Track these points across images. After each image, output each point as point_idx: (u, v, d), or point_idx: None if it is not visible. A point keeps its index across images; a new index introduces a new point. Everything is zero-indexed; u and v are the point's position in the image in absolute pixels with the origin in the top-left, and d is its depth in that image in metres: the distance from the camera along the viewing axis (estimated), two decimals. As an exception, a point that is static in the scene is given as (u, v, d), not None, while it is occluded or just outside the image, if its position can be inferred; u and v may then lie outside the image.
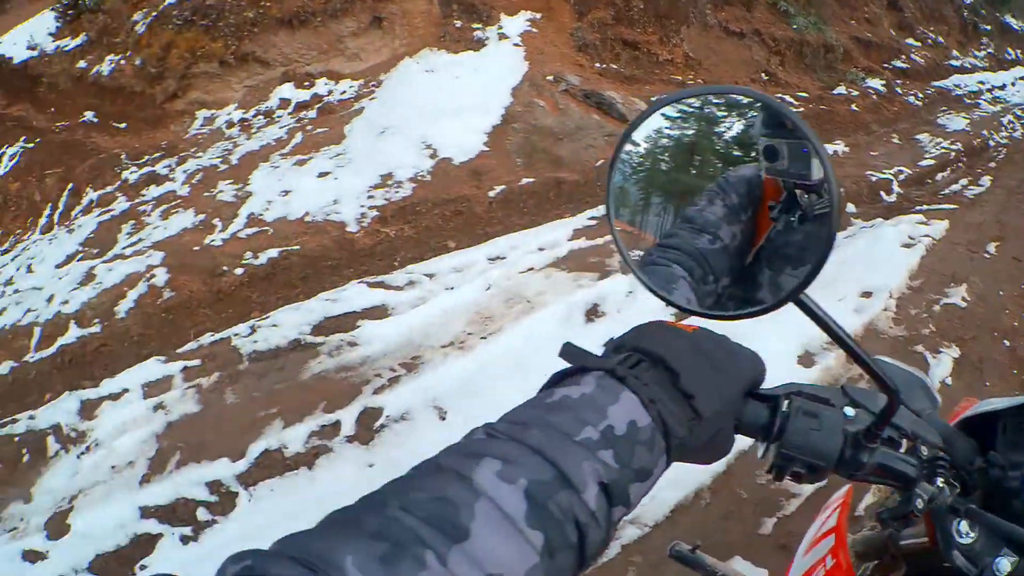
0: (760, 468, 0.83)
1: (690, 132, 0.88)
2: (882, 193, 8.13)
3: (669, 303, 0.83)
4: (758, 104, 0.82)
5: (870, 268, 5.56)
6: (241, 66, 8.37)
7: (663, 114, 0.85)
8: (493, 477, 0.58)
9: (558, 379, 0.73)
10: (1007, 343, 4.85)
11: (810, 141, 0.74)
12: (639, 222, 0.94)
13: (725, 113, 0.87)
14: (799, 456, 0.80)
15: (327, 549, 0.51)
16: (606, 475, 0.61)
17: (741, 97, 0.85)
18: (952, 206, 7.79)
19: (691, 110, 0.87)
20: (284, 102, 8.05)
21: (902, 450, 0.89)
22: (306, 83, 8.17)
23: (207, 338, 4.85)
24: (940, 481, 0.87)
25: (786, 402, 0.82)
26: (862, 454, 0.83)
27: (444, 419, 3.99)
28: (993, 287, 5.67)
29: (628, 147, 0.88)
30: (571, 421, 0.63)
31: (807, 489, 3.35)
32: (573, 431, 0.62)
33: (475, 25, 8.87)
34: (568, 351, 0.77)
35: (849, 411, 0.86)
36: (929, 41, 19.29)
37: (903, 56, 16.81)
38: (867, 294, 5.18)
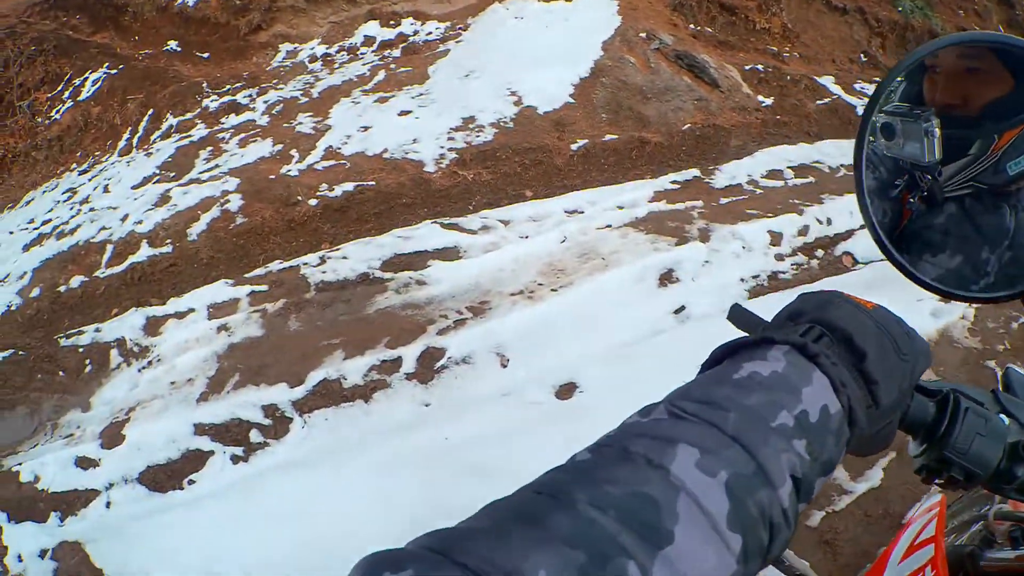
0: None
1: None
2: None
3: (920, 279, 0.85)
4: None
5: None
6: (327, 1, 8.33)
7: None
8: (692, 468, 0.50)
9: (733, 349, 0.66)
10: None
11: None
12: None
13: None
14: (959, 461, 0.74)
15: (512, 558, 0.42)
16: (800, 468, 0.55)
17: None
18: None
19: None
20: (368, 39, 7.95)
21: None
22: (392, 22, 8.04)
23: (276, 265, 4.80)
24: None
25: (953, 400, 0.77)
26: (1019, 468, 0.76)
27: (506, 367, 3.90)
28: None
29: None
30: (766, 404, 0.57)
31: (860, 487, 3.17)
32: (769, 416, 0.56)
33: (569, -24, 8.58)
34: (737, 315, 0.77)
35: (1004, 419, 0.79)
36: (1040, 40, 18.26)
37: (1013, 51, 15.93)
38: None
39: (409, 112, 6.46)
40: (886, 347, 0.66)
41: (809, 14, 10.82)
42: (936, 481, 0.78)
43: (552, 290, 4.44)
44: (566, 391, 3.64)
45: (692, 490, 0.49)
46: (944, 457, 0.75)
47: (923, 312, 4.54)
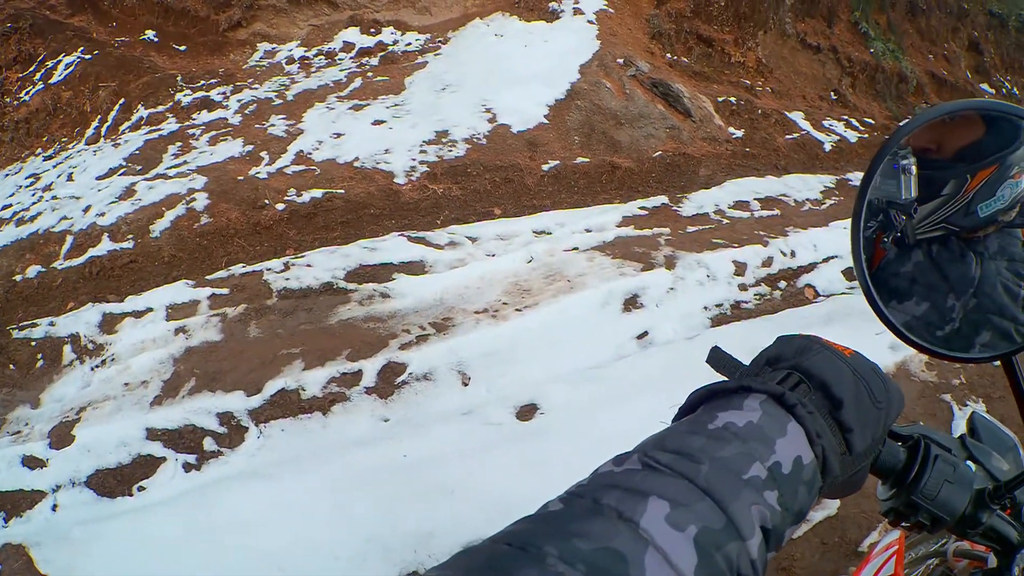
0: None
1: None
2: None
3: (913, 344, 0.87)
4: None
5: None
6: (309, 4, 8.30)
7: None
8: (662, 522, 0.51)
9: (710, 395, 0.67)
10: None
11: None
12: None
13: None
14: (927, 506, 0.76)
15: None
16: (770, 520, 0.56)
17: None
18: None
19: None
20: (347, 45, 7.95)
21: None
22: (372, 30, 8.04)
23: (239, 268, 4.74)
24: None
25: (924, 446, 0.79)
26: (983, 514, 0.79)
27: (467, 385, 3.89)
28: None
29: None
30: (739, 456, 0.58)
31: (817, 515, 3.18)
32: (742, 468, 0.57)
33: (552, -4, 8.66)
34: (717, 358, 0.76)
35: (970, 466, 0.83)
36: (1004, 90, 18.76)
37: (976, 99, 16.37)
38: (911, 332, 4.94)
39: (383, 122, 6.45)
40: (861, 395, 0.67)
41: (784, 50, 11.02)
42: (903, 524, 0.79)
43: (517, 310, 4.43)
44: (527, 412, 3.62)
45: (661, 545, 0.49)
46: (912, 502, 0.77)
47: (881, 346, 4.65)
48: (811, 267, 5.24)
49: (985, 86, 18.12)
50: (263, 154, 5.99)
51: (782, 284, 5.08)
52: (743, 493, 0.55)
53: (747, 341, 4.05)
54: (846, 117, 11.08)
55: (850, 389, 0.66)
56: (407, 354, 3.96)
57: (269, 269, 4.64)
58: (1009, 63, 19.97)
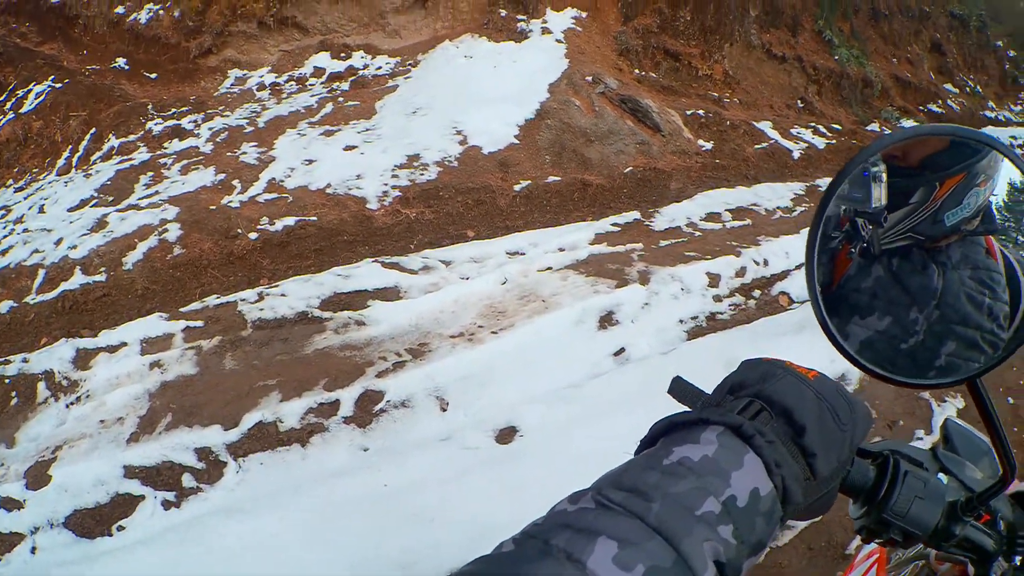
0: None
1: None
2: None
3: (864, 368, 0.80)
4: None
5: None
6: (279, 29, 8.31)
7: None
8: (609, 563, 0.51)
9: (669, 428, 0.67)
10: (1011, 400, 4.74)
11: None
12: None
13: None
14: (898, 523, 0.77)
15: None
16: (724, 554, 0.56)
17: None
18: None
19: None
20: (318, 71, 7.98)
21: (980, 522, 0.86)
22: (342, 54, 8.08)
23: (213, 300, 4.74)
24: (1018, 560, 0.85)
25: (892, 463, 0.79)
26: (956, 526, 0.79)
27: (445, 411, 3.90)
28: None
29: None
30: (693, 491, 0.58)
31: (802, 522, 3.20)
32: (695, 504, 0.57)
33: (520, 16, 8.77)
34: (677, 388, 0.75)
35: (942, 478, 0.83)
36: (967, 89, 19.18)
37: (940, 101, 16.68)
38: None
39: (355, 147, 6.47)
40: (825, 419, 0.67)
41: (750, 61, 11.16)
42: (876, 541, 0.80)
43: (492, 332, 4.46)
44: (506, 436, 3.65)
45: None
46: (883, 519, 0.77)
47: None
48: (784, 274, 5.33)
49: (949, 86, 18.49)
50: (235, 182, 6.00)
51: (756, 293, 5.16)
52: (695, 529, 0.55)
53: (723, 353, 4.15)
54: (813, 124, 11.25)
55: (813, 414, 0.66)
56: (384, 381, 3.98)
57: (243, 300, 4.64)
58: (971, 62, 20.45)
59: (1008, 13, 23.73)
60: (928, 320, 0.89)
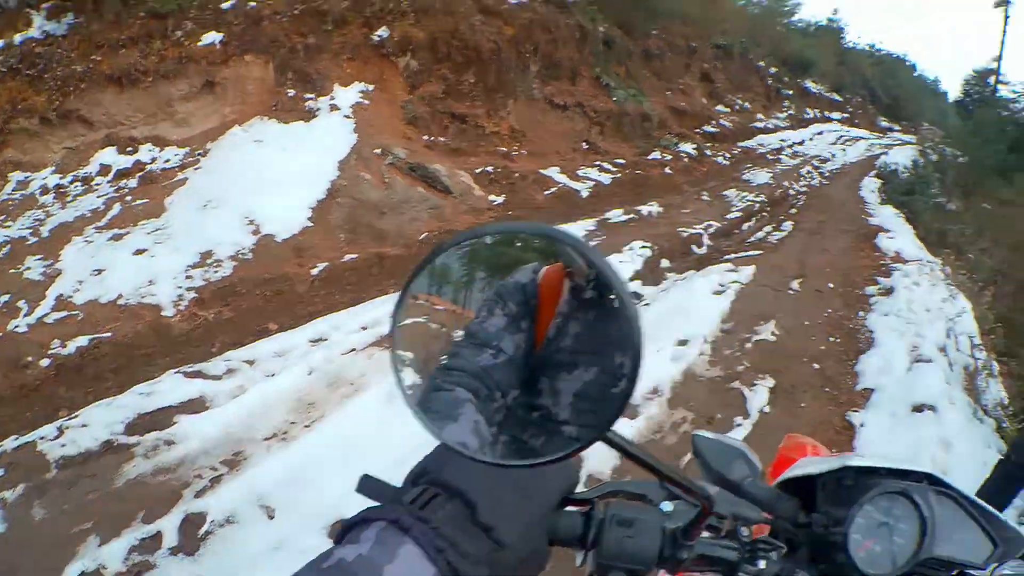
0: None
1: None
2: (693, 247, 8.92)
3: (451, 448, 0.68)
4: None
5: (684, 317, 6.10)
6: (63, 124, 8.07)
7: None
8: None
9: (343, 529, 0.66)
10: (816, 366, 5.44)
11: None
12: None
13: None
14: (616, 564, 0.78)
15: None
16: None
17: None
18: (757, 252, 8.86)
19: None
20: (104, 168, 7.80)
21: (723, 534, 0.90)
22: (129, 148, 7.98)
23: (10, 443, 4.38)
24: (762, 564, 0.89)
25: (600, 509, 0.80)
26: (681, 551, 0.80)
27: (273, 517, 3.78)
28: (799, 319, 6.44)
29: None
30: None
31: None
32: None
33: (308, 95, 9.06)
34: (365, 486, 0.74)
35: (667, 506, 0.83)
36: (737, 107, 21.49)
37: (713, 122, 18.59)
38: (683, 342, 5.66)
39: (145, 250, 6.44)
40: (501, 491, 0.68)
41: (535, 113, 11.96)
42: None
43: (305, 426, 4.49)
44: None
45: None
46: (601, 564, 0.77)
47: (664, 360, 5.30)
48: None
49: (720, 107, 20.60)
50: (21, 303, 5.81)
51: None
52: None
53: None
54: (599, 163, 12.18)
55: (486, 489, 0.67)
56: (205, 501, 3.83)
57: (43, 438, 4.35)
58: (738, 84, 23.04)
59: (766, 37, 26.69)
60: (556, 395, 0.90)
